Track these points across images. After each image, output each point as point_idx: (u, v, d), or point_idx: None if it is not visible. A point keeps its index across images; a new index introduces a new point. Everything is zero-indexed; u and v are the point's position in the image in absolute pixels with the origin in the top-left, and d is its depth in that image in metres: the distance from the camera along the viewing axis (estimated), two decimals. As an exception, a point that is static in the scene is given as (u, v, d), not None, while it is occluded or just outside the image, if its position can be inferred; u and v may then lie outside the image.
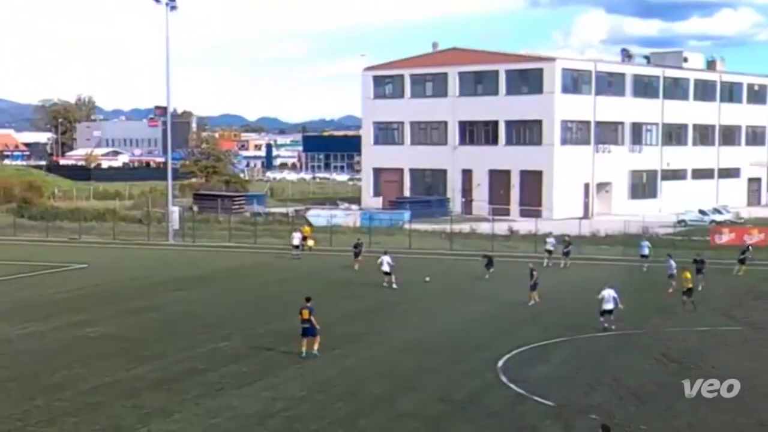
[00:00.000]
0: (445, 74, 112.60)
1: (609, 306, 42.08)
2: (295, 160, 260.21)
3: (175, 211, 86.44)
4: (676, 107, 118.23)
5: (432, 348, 39.56)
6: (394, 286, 54.56)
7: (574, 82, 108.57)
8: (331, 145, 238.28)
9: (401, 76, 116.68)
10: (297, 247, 69.96)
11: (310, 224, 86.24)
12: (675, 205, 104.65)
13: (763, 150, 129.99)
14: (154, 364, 36.38)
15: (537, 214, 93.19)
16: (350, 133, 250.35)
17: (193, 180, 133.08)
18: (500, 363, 36.29)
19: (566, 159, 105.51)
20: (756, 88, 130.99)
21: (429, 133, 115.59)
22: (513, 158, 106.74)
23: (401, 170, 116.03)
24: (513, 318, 46.15)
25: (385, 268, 55.18)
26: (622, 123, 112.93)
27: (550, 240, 66.87)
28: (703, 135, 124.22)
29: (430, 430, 28.76)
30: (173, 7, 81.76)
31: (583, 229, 79.45)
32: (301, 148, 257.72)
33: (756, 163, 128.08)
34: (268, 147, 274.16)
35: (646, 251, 63.85)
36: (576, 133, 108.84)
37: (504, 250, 74.14)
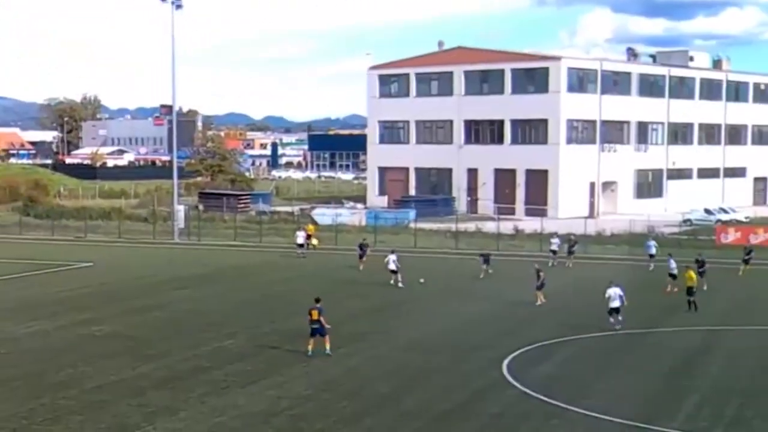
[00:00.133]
0: (451, 73, 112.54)
1: (615, 304, 41.99)
2: (300, 158, 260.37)
3: (180, 209, 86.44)
4: (681, 106, 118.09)
5: (437, 347, 39.54)
6: (400, 284, 54.58)
7: (580, 81, 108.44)
8: (336, 143, 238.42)
9: (407, 75, 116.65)
10: (301, 245, 69.93)
11: (315, 223, 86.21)
12: (681, 204, 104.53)
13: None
14: (159, 362, 36.39)
15: (542, 213, 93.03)
16: (356, 132, 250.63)
17: (199, 179, 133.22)
18: (505, 362, 36.27)
19: (572, 158, 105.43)
20: (762, 87, 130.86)
21: (434, 132, 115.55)
22: (518, 157, 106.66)
23: (406, 169, 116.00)
24: (518, 317, 46.11)
25: (392, 266, 55.21)
26: (627, 122, 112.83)
27: (555, 240, 66.74)
28: (709, 134, 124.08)
29: (435, 429, 28.74)
30: (179, 6, 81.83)
31: (589, 228, 79.33)
32: (306, 146, 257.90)
33: None
34: (274, 146, 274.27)
35: (653, 250, 63.70)
36: (581, 132, 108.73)
37: (509, 249, 74.15)
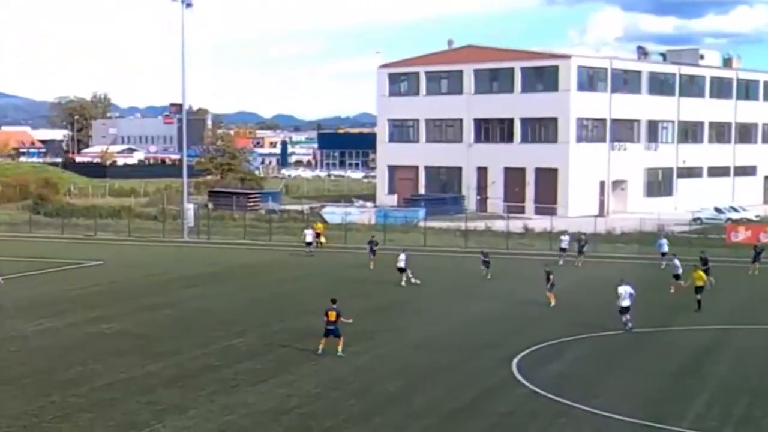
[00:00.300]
0: (461, 72, 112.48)
1: (626, 303, 41.71)
2: (310, 157, 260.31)
3: (190, 208, 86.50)
4: (692, 105, 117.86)
5: (446, 346, 39.53)
6: (413, 281, 54.55)
7: (590, 80, 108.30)
8: (346, 142, 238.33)
9: (416, 74, 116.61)
10: (309, 244, 69.92)
11: (323, 221, 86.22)
12: (691, 202, 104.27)
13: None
14: (168, 360, 36.43)
15: (552, 212, 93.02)
16: (365, 130, 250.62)
17: (209, 177, 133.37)
18: (515, 361, 36.24)
19: (582, 157, 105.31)
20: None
21: (444, 130, 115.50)
22: (528, 156, 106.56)
23: (416, 168, 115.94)
24: (527, 316, 46.05)
25: (400, 264, 55.17)
26: (637, 120, 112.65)
27: (565, 238, 66.56)
28: (720, 133, 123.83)
29: (443, 427, 28.73)
30: (189, 5, 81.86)
31: (599, 227, 79.27)
32: (316, 145, 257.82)
33: None
34: (283, 144, 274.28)
35: (665, 248, 63.43)
36: (591, 130, 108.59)
37: (519, 248, 74.12)
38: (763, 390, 32.92)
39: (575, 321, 44.34)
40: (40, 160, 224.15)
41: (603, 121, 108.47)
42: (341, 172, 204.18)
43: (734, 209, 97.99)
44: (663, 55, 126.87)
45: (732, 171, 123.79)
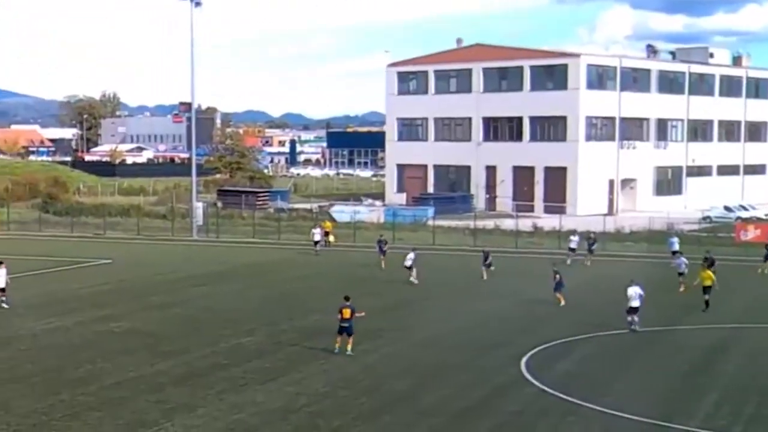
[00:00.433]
0: (470, 70, 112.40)
1: (635, 303, 41.45)
2: (319, 156, 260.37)
3: (199, 206, 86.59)
4: (701, 103, 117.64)
5: (454, 344, 39.51)
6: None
7: (599, 78, 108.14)
8: (355, 141, 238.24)
9: (425, 72, 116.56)
10: (317, 242, 69.87)
11: (332, 219, 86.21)
12: (700, 201, 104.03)
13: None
14: (177, 359, 36.46)
15: (561, 211, 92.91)
16: (374, 129, 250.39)
17: (218, 176, 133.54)
18: (524, 359, 36.21)
19: (591, 155, 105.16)
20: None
21: (453, 129, 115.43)
22: (537, 154, 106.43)
23: (425, 166, 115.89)
24: (536, 315, 45.99)
25: (407, 263, 55.09)
26: (647, 119, 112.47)
27: (574, 238, 66.28)
28: (729, 131, 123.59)
29: (453, 426, 28.71)
30: (198, 4, 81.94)
31: (608, 225, 79.17)
32: (325, 144, 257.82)
33: None
34: (292, 143, 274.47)
35: (676, 247, 63.19)
36: (601, 129, 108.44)
37: (528, 246, 74.08)
38: (772, 389, 32.84)
39: (584, 320, 44.28)
40: (50, 158, 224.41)
41: (612, 119, 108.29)
42: (350, 171, 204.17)
43: (744, 208, 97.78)
44: (672, 53, 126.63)
45: (741, 169, 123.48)
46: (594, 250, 64.90)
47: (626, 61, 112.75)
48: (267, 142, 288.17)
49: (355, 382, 33.26)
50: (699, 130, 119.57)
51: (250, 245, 76.69)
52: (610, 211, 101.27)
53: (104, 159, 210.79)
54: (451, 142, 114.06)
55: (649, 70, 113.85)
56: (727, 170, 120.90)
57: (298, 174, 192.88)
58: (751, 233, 76.22)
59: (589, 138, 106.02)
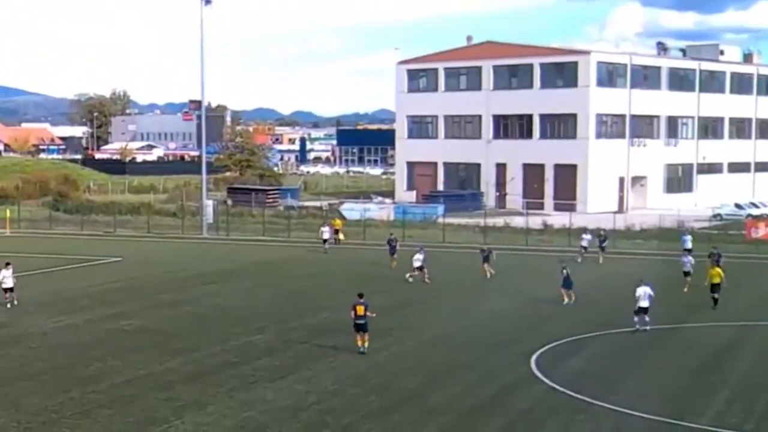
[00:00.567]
0: (480, 68, 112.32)
1: (644, 304, 41.05)
2: (328, 153, 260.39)
3: (209, 204, 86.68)
4: (712, 100, 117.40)
5: (464, 342, 39.47)
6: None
7: (609, 76, 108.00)
8: (365, 138, 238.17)
9: (435, 70, 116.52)
10: (326, 240, 69.81)
11: (342, 217, 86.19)
12: (711, 199, 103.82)
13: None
14: (187, 357, 36.48)
15: (571, 208, 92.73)
16: (384, 126, 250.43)
17: (228, 174, 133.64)
18: (534, 357, 36.16)
19: (601, 153, 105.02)
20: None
21: (463, 126, 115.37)
22: (547, 152, 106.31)
23: (435, 164, 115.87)
24: (546, 313, 45.90)
25: (416, 263, 54.95)
26: (657, 116, 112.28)
27: (586, 236, 65.93)
28: (740, 128, 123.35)
29: (462, 424, 28.67)
30: (208, 2, 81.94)
31: (618, 223, 79.01)
32: (335, 141, 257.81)
33: None
34: (302, 141, 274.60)
35: (689, 245, 62.90)
36: (611, 126, 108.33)
37: (538, 244, 74.00)
38: (783, 387, 32.74)
39: (594, 318, 44.20)
40: (60, 156, 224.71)
41: (622, 117, 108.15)
42: (360, 169, 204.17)
43: (754, 205, 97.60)
44: (683, 50, 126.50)
45: (752, 167, 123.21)
46: (605, 248, 64.68)
47: (636, 58, 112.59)
48: (277, 139, 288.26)
49: (365, 380, 33.24)
50: (710, 128, 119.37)
51: (260, 243, 76.72)
52: (621, 209, 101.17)
53: (114, 157, 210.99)
54: (461, 139, 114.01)
55: (659, 68, 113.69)
56: (737, 167, 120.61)
57: (308, 172, 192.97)
58: (762, 230, 76.03)
59: (599, 135, 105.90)
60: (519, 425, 28.61)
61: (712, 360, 36.88)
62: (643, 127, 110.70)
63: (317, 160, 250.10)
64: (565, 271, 48.27)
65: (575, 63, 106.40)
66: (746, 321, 44.31)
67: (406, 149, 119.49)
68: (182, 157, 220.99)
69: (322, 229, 71.19)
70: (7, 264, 46.89)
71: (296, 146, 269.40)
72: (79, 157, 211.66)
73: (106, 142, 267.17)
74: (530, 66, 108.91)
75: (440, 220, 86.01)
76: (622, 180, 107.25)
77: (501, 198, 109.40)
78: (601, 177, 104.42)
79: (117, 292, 52.19)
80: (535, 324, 43.21)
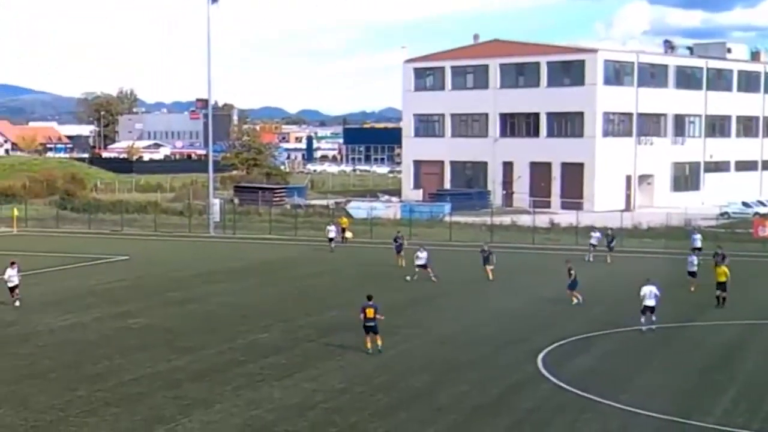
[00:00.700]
0: (486, 66, 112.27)
1: (650, 303, 40.78)
2: (335, 152, 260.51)
3: (216, 203, 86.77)
4: (719, 99, 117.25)
5: (471, 341, 39.45)
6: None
7: (617, 74, 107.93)
8: (371, 137, 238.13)
9: (442, 68, 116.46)
10: (332, 239, 69.76)
11: (348, 216, 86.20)
12: (718, 197, 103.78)
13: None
14: (194, 355, 36.50)
15: (578, 207, 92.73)
16: (391, 125, 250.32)
17: (234, 172, 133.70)
18: (540, 356, 36.12)
19: (608, 151, 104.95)
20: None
21: (470, 125, 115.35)
22: (554, 150, 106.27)
23: (442, 162, 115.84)
24: (553, 311, 45.86)
25: (419, 262, 54.85)
26: (664, 115, 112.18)
27: (595, 234, 65.60)
28: (747, 126, 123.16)
29: (469, 422, 28.65)
30: (214, 1, 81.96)
31: (625, 221, 78.89)
32: (341, 140, 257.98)
33: None
34: (309, 139, 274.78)
35: (699, 243, 62.60)
36: (618, 124, 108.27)
37: (545, 243, 73.96)
38: (791, 386, 32.68)
39: (601, 317, 44.19)
40: (67, 155, 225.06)
41: (629, 115, 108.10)
42: (367, 167, 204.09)
43: (762, 203, 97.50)
44: (690, 48, 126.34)
45: (760, 165, 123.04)
46: (613, 247, 64.42)
47: (643, 56, 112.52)
48: (284, 138, 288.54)
49: (372, 378, 33.23)
50: (717, 126, 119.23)
51: (266, 242, 76.78)
52: (628, 207, 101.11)
53: (121, 156, 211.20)
54: (468, 138, 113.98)
55: (666, 66, 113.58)
56: (745, 166, 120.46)
57: (314, 170, 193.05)
58: (770, 229, 75.83)
59: (606, 134, 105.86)
60: (526, 424, 28.58)
61: (720, 359, 36.82)
62: (650, 125, 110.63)
63: (324, 158, 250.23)
64: (572, 272, 47.72)
65: (582, 61, 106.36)
66: (754, 320, 44.24)
67: (413, 148, 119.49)
68: (189, 156, 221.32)
69: (328, 227, 71.18)
70: (12, 263, 46.89)
71: (303, 145, 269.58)
72: (86, 155, 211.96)
73: (113, 141, 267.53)
74: (537, 64, 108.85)
75: (447, 218, 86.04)
76: (629, 178, 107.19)
77: (508, 196, 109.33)
78: (608, 175, 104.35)
79: (124, 290, 52.26)
80: (542, 322, 43.18)
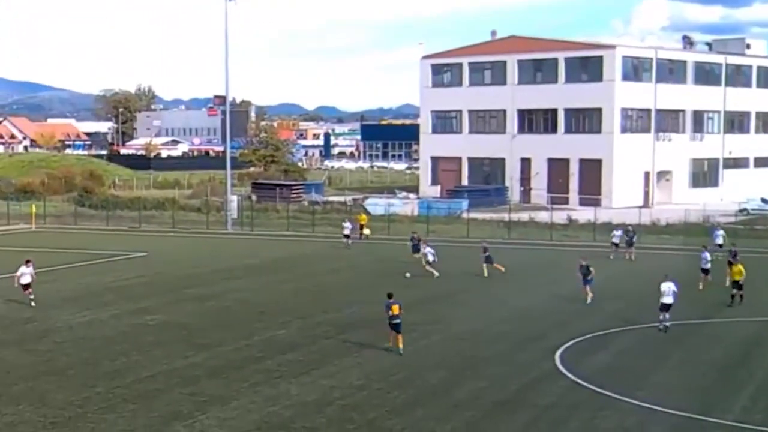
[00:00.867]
0: (504, 62, 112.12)
1: (668, 300, 40.37)
2: (353, 148, 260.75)
3: (233, 199, 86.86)
4: (738, 94, 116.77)
5: (489, 338, 39.38)
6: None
7: (635, 70, 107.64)
8: (389, 133, 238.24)
9: (459, 65, 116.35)
10: (347, 236, 69.58)
11: (366, 212, 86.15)
12: (737, 193, 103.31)
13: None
14: (212, 351, 36.53)
15: (596, 203, 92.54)
16: (408, 121, 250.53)
17: (252, 169, 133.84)
18: (558, 353, 36.03)
19: (626, 147, 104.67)
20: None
21: (487, 121, 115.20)
22: (572, 146, 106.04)
23: (459, 159, 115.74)
24: (571, 308, 45.70)
25: (428, 258, 54.76)
26: (683, 111, 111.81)
27: (617, 233, 65.10)
28: (766, 122, 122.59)
29: (486, 419, 28.60)
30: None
31: (643, 218, 78.68)
32: (359, 136, 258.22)
33: None
34: (326, 136, 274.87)
35: (721, 240, 62.17)
36: (636, 121, 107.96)
37: (562, 239, 73.80)
38: (810, 383, 32.51)
39: (619, 313, 44.07)
40: (85, 152, 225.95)
41: (648, 111, 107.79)
42: (384, 164, 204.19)
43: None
44: (709, 44, 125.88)
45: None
46: (634, 243, 63.98)
47: (662, 52, 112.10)
48: (301, 135, 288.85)
49: (390, 375, 33.19)
50: (736, 122, 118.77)
51: (284, 238, 76.82)
52: (646, 204, 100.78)
53: (139, 152, 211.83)
54: (486, 134, 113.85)
55: (685, 62, 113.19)
56: (764, 162, 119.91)
57: (332, 167, 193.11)
58: (789, 225, 75.47)
59: (624, 130, 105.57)
60: (543, 420, 28.51)
61: (739, 356, 36.67)
62: (668, 121, 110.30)
63: (341, 155, 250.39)
64: (591, 269, 47.35)
65: (600, 57, 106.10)
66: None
67: (431, 144, 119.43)
68: (207, 153, 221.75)
69: (344, 224, 71.10)
70: (27, 261, 46.71)
71: (320, 141, 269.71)
72: (104, 152, 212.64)
73: (131, 138, 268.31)
74: (555, 60, 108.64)
75: (464, 215, 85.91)
76: (647, 175, 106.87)
77: (526, 193, 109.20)
78: (627, 172, 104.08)
79: (142, 287, 52.34)
80: (560, 319, 43.06)
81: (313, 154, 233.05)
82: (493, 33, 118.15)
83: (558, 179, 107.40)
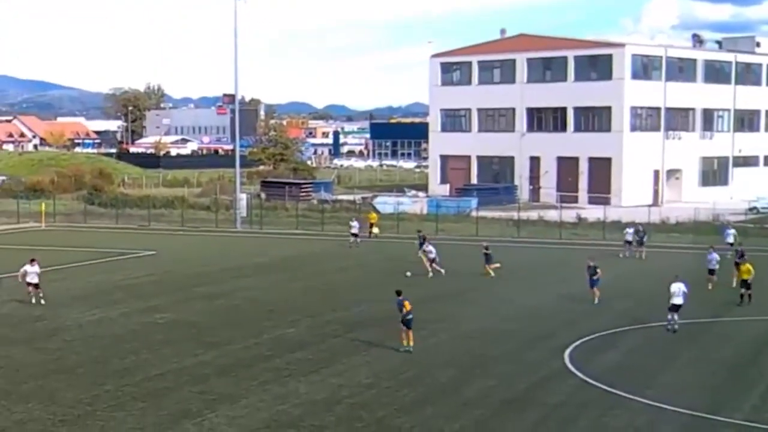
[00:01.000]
0: (513, 61, 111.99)
1: (678, 301, 40.06)
2: (362, 147, 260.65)
3: (243, 198, 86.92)
4: (748, 93, 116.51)
5: (498, 336, 39.35)
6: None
7: (644, 68, 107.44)
8: (398, 132, 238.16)
9: (469, 63, 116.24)
10: (355, 235, 69.45)
11: (376, 211, 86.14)
12: (747, 192, 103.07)
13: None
14: (221, 350, 36.55)
15: (606, 202, 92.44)
16: (417, 120, 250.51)
17: (261, 167, 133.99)
18: (567, 351, 35.99)
19: (636, 146, 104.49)
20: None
21: (497, 119, 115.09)
22: (581, 145, 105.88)
23: (468, 157, 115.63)
24: (580, 307, 45.61)
25: (430, 255, 54.73)
26: (692, 109, 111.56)
27: (630, 230, 64.98)
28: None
29: (496, 417, 28.58)
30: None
31: (653, 216, 78.56)
32: (368, 135, 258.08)
33: None
34: (336, 134, 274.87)
35: (732, 239, 61.92)
36: (646, 119, 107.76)
37: (572, 238, 73.71)
38: (821, 382, 32.42)
39: (629, 312, 44.01)
40: (95, 150, 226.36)
41: (657, 109, 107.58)
42: (393, 162, 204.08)
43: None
44: (719, 42, 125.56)
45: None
46: (645, 242, 63.83)
47: (672, 50, 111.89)
48: (310, 133, 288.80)
49: (398, 373, 33.18)
50: (746, 120, 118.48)
51: (293, 236, 76.84)
52: (655, 202, 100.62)
53: (149, 151, 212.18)
54: (495, 132, 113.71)
55: (694, 60, 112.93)
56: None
57: (341, 165, 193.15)
58: (799, 224, 75.24)
59: (633, 128, 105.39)
60: (552, 419, 28.48)
61: (748, 354, 36.60)
62: (678, 119, 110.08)
63: (350, 153, 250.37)
64: (598, 270, 47.13)
65: (610, 56, 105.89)
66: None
67: (440, 142, 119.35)
68: (216, 151, 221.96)
69: (351, 223, 71.01)
70: (32, 260, 46.62)
71: (329, 140, 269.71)
72: (113, 151, 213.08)
73: (141, 136, 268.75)
74: (564, 59, 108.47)
75: (474, 213, 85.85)
76: (657, 173, 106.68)
77: (535, 191, 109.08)
78: (636, 170, 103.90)
79: (151, 285, 52.39)
80: (569, 318, 43.01)
81: (323, 153, 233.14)
82: (503, 31, 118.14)
83: (567, 178, 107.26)
